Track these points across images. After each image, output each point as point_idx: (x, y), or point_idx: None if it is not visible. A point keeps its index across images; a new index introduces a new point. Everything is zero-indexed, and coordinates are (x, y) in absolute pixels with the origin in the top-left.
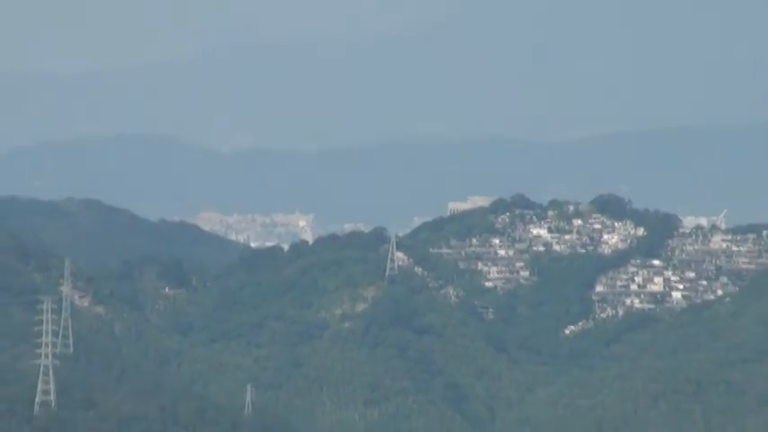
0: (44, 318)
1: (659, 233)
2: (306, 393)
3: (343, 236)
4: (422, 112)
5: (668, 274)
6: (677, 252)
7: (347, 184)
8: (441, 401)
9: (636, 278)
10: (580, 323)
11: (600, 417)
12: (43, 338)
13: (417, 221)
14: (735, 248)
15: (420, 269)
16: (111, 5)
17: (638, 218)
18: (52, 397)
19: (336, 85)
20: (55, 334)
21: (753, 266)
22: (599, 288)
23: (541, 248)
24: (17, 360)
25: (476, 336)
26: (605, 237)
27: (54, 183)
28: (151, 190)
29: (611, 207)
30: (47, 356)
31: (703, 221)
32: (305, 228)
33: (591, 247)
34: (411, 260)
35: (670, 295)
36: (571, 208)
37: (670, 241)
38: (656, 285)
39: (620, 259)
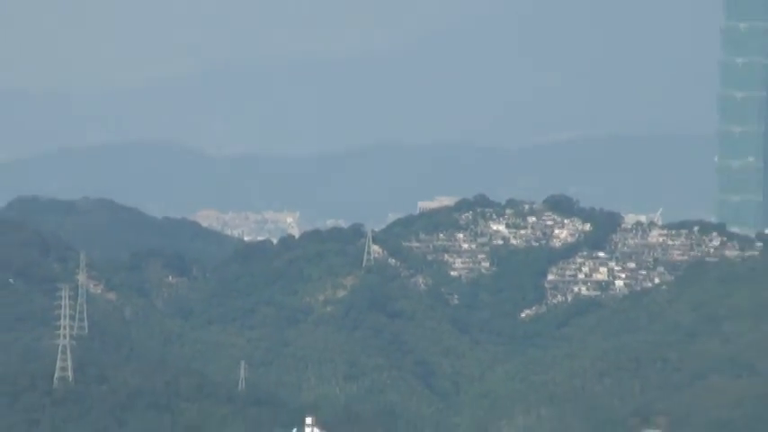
0: (62, 303)
1: (604, 229)
2: (293, 370)
3: (326, 231)
4: (395, 122)
5: (612, 264)
6: (619, 245)
7: (329, 185)
8: (411, 377)
9: (583, 268)
10: (534, 308)
11: (551, 391)
12: (61, 321)
13: (391, 218)
14: (670, 242)
15: (393, 260)
16: (121, 25)
17: (585, 215)
18: (69, 373)
19: (318, 98)
20: (71, 318)
21: (686, 258)
22: (551, 277)
23: (500, 242)
24: (38, 340)
25: (442, 319)
26: (556, 232)
27: (70, 185)
28: (156, 191)
29: (562, 206)
30: (64, 337)
31: (642, 218)
32: (292, 224)
33: (543, 241)
34: (385, 252)
35: (613, 283)
36: (526, 207)
37: (613, 236)
38: (601, 275)
39: (569, 252)
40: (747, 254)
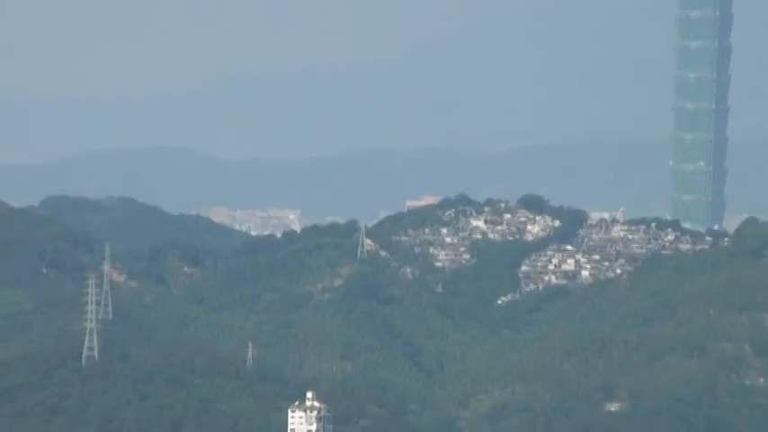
0: (89, 291)
1: (571, 225)
2: (295, 350)
3: (324, 226)
4: (385, 129)
5: (578, 256)
6: (585, 239)
7: (327, 186)
8: (400, 356)
9: (553, 260)
10: (509, 295)
11: (525, 368)
12: (89, 307)
13: (382, 215)
14: (630, 237)
15: (384, 253)
16: (144, 41)
17: (555, 213)
18: (96, 352)
19: (317, 107)
20: (97, 303)
21: (644, 251)
22: (524, 267)
23: (479, 236)
24: (68, 323)
25: (428, 305)
26: (529, 227)
27: (97, 185)
28: (173, 190)
29: (534, 204)
30: (91, 321)
31: (606, 216)
32: (294, 220)
33: (518, 236)
34: (377, 245)
35: (580, 273)
36: (502, 205)
37: (580, 231)
38: (569, 265)
39: (540, 245)
40: (698, 247)
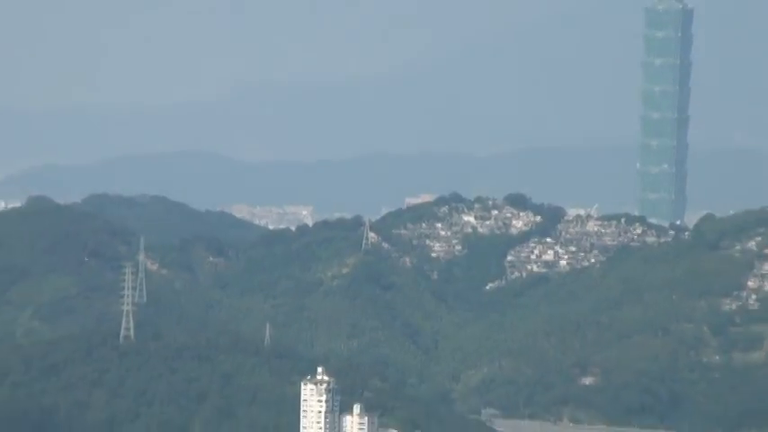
0: (126, 278)
1: (551, 220)
2: (307, 330)
3: (333, 221)
4: (388, 135)
5: (557, 248)
6: (563, 233)
7: (336, 185)
8: (400, 335)
9: (535, 251)
10: (496, 282)
11: (509, 347)
12: (125, 292)
13: (384, 211)
14: (603, 231)
15: (386, 244)
16: (175, 57)
17: (537, 209)
18: (131, 332)
19: (326, 114)
20: (133, 289)
21: (615, 243)
22: (509, 258)
23: (470, 230)
24: (107, 306)
25: (424, 290)
26: (514, 222)
27: (133, 184)
28: (200, 189)
29: (518, 202)
30: (128, 304)
31: (581, 212)
32: (306, 216)
33: (504, 230)
34: (380, 238)
35: (558, 263)
36: (490, 202)
37: (558, 225)
38: (549, 256)
39: (523, 238)
40: (662, 240)
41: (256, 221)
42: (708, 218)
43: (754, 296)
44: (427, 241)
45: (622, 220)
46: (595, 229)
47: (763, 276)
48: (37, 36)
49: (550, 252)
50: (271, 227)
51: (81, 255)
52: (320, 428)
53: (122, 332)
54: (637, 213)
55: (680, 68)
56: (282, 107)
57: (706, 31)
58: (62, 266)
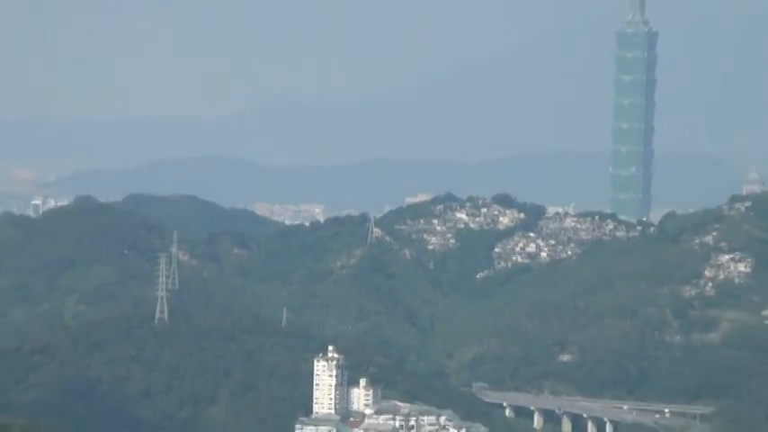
0: (160, 267)
1: (533, 216)
2: (319, 313)
3: (342, 218)
4: (390, 142)
5: (539, 241)
6: (544, 228)
7: (345, 186)
8: (401, 319)
9: (519, 244)
10: (485, 271)
11: (497, 328)
12: (160, 279)
13: (387, 209)
14: (579, 226)
15: (388, 238)
16: (205, 73)
17: (521, 207)
18: (165, 315)
19: (338, 125)
20: (167, 277)
21: (590, 237)
22: (497, 249)
23: (462, 226)
24: (144, 292)
25: (422, 278)
26: (501, 219)
27: (167, 185)
28: (225, 189)
29: (504, 201)
30: (162, 290)
31: (560, 210)
32: (319, 213)
33: (492, 225)
34: (383, 233)
35: (539, 254)
36: (480, 201)
37: (540, 222)
38: (531, 248)
39: (509, 232)
40: (631, 234)
41: (275, 218)
42: (670, 215)
43: (710, 284)
44: (425, 235)
45: (596, 217)
46: (572, 224)
47: (718, 266)
48: (84, 55)
49: (533, 245)
50: (287, 223)
51: (121, 247)
52: (331, 400)
53: (157, 315)
54: (608, 211)
55: (646, 84)
56: (298, 119)
57: (669, 51)
58: (104, 257)
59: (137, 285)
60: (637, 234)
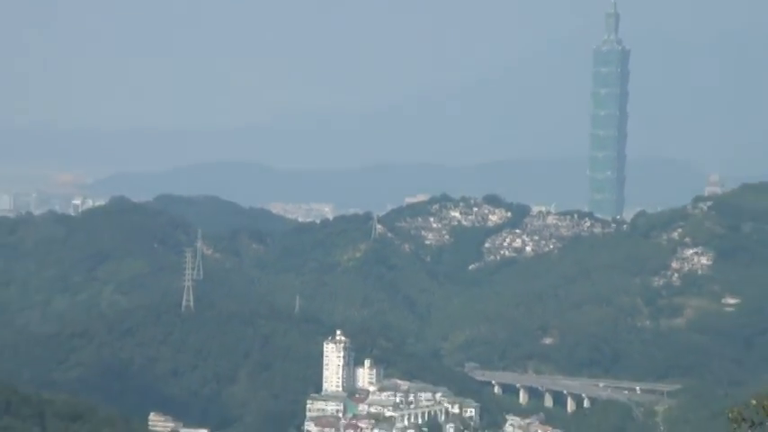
0: (187, 260)
1: (519, 215)
2: (328, 301)
3: (348, 216)
4: (391, 149)
5: (524, 237)
6: (528, 225)
7: (351, 188)
8: (401, 306)
9: (506, 239)
10: (477, 263)
11: (487, 314)
12: (186, 271)
13: (389, 208)
14: (560, 224)
15: (390, 234)
16: (222, 85)
17: (508, 207)
18: (191, 303)
19: (345, 134)
20: (192, 269)
21: (570, 233)
22: (486, 245)
23: (456, 223)
24: (172, 282)
25: (420, 270)
26: (490, 217)
27: (192, 186)
28: (245, 191)
29: (494, 201)
30: (188, 281)
31: (543, 209)
32: (328, 212)
33: (482, 222)
34: (385, 229)
35: (525, 249)
36: (472, 201)
37: (525, 219)
38: (517, 243)
39: (498, 229)
40: (606, 231)
41: (289, 216)
42: (641, 214)
43: (676, 275)
44: (422, 232)
45: (575, 215)
46: (554, 222)
47: (683, 259)
48: (125, 73)
49: (519, 240)
50: (300, 220)
51: (151, 242)
52: (338, 378)
53: (184, 302)
54: (586, 210)
55: (619, 97)
56: (310, 129)
57: (640, 67)
58: (137, 251)
59: (165, 276)
60: (611, 230)
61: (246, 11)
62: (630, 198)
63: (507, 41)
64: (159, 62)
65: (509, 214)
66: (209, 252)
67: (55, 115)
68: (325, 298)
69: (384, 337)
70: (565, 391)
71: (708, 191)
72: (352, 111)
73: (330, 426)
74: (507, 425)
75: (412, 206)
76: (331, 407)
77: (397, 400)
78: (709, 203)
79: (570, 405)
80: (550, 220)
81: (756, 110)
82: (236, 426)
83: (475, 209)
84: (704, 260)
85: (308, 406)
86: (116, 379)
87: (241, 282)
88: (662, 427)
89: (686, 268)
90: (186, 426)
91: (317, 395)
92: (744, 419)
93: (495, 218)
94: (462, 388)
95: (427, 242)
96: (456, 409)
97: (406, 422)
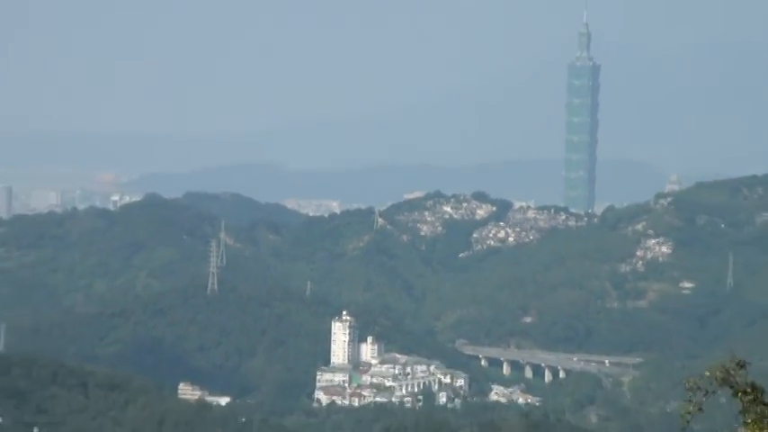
0: (212, 249)
1: (503, 209)
2: (336, 285)
3: (353, 210)
4: (392, 151)
5: (507, 229)
6: (511, 219)
7: (356, 185)
8: (399, 289)
9: (492, 231)
10: (466, 252)
11: (475, 297)
12: (211, 259)
13: (389, 203)
14: (539, 217)
15: (390, 226)
16: (242, 92)
17: (493, 202)
18: (216, 287)
19: (351, 138)
20: (217, 257)
21: (547, 226)
22: (475, 235)
23: (448, 216)
24: (199, 269)
25: (416, 258)
26: (478, 211)
27: (217, 185)
28: (263, 188)
29: (481, 197)
30: (213, 268)
31: (524, 204)
32: (336, 206)
33: (471, 216)
34: (386, 222)
35: (508, 239)
36: (462, 197)
37: (508, 213)
38: (501, 234)
39: (484, 222)
40: (579, 224)
41: (301, 210)
42: (610, 209)
43: (641, 262)
44: (418, 224)
45: (552, 209)
46: (533, 216)
47: (646, 248)
48: (153, 75)
49: (502, 232)
50: (311, 214)
51: (180, 234)
52: (344, 353)
53: (209, 287)
54: (562, 205)
55: (591, 106)
56: (319, 133)
57: (609, 80)
58: (168, 242)
59: (193, 264)
60: (584, 223)
61: (254, 22)
62: (600, 195)
63: (492, 57)
64: (185, 78)
65: (494, 209)
66: (231, 242)
67: (98, 121)
68: (332, 282)
69: (384, 317)
70: (543, 364)
71: (668, 188)
72: (356, 117)
73: (337, 394)
74: (492, 393)
75: (409, 202)
76: (338, 378)
77: (396, 371)
78: (669, 199)
79: (548, 376)
80: (530, 214)
81: (711, 118)
82: (254, 394)
83: (464, 204)
84: (665, 249)
85: (317, 377)
86: (149, 353)
87: (259, 268)
88: (628, 395)
89: (649, 256)
90: (211, 394)
91: (325, 367)
92: (699, 388)
93: (482, 212)
94: (453, 361)
95: (422, 233)
96: (448, 380)
97: (403, 391)
